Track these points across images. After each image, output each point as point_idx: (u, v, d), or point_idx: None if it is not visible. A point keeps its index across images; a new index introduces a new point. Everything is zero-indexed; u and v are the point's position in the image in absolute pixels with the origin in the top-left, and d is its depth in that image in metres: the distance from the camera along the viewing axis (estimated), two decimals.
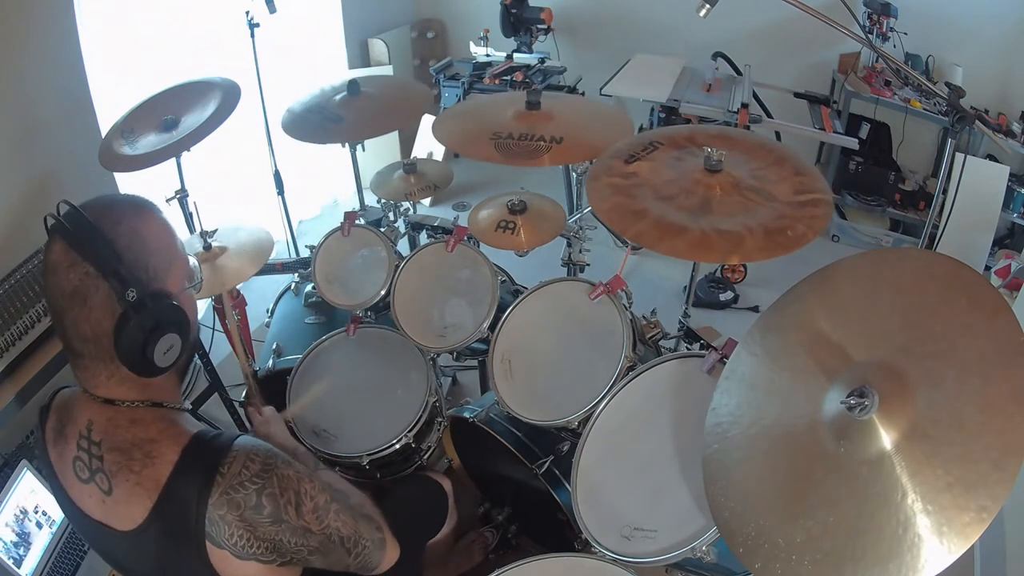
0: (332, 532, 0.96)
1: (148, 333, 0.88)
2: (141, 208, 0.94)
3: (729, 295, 2.97)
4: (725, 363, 1.16)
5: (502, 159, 1.55)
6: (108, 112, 2.17)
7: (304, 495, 0.92)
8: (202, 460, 0.88)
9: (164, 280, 0.92)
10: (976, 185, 2.78)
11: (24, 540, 1.57)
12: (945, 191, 1.80)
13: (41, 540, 1.62)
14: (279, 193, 2.86)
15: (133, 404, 0.92)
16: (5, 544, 1.52)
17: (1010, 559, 1.66)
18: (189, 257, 1.00)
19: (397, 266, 1.77)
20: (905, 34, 3.18)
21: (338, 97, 2.00)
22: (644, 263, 3.23)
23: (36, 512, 1.61)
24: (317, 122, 1.93)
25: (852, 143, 2.98)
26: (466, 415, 1.58)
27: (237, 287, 1.94)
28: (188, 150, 1.84)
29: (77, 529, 0.98)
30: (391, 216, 2.08)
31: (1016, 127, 3.07)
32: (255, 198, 3.09)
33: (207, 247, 1.68)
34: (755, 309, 2.93)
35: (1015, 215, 3.06)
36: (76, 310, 0.87)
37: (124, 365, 0.89)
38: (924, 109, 3.18)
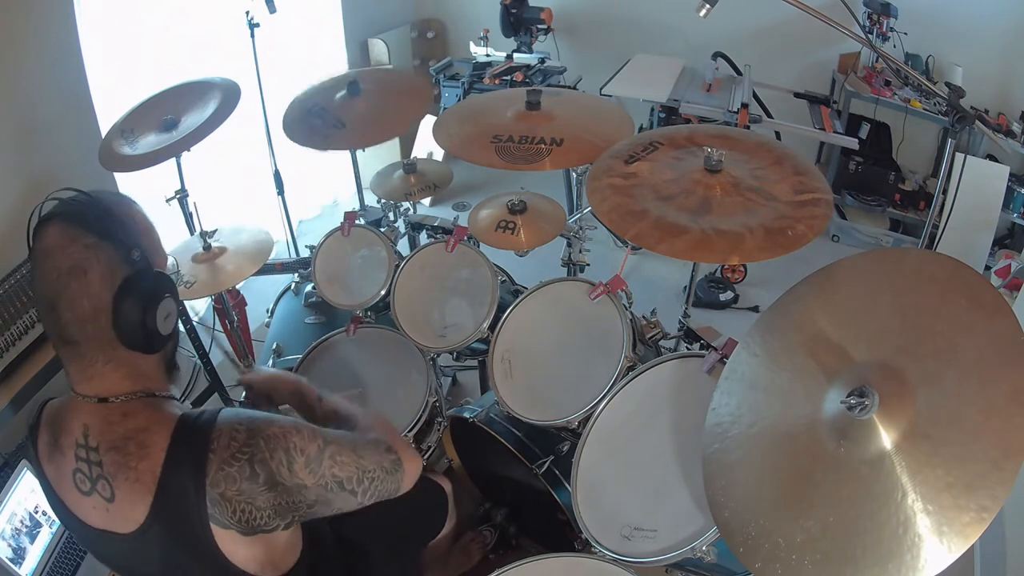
0: (328, 481, 0.93)
1: (148, 299, 0.89)
2: (126, 200, 0.99)
3: (729, 295, 2.97)
4: (725, 363, 1.16)
5: (503, 164, 1.54)
6: (108, 112, 2.17)
7: (294, 450, 0.90)
8: (191, 443, 0.88)
9: (153, 262, 0.94)
10: (976, 185, 2.78)
11: (24, 540, 1.57)
12: (945, 191, 1.80)
13: (41, 540, 1.61)
14: (279, 193, 2.86)
15: (125, 398, 0.92)
16: (5, 544, 1.52)
17: (1010, 559, 1.66)
18: (168, 255, 1.02)
19: (397, 266, 1.77)
20: (905, 34, 3.17)
21: (338, 96, 1.99)
22: (644, 263, 3.23)
23: (36, 512, 1.61)
24: (319, 127, 1.93)
25: (852, 143, 2.98)
26: (466, 415, 1.58)
27: (237, 287, 1.94)
28: (188, 150, 1.84)
29: (75, 536, 0.97)
30: (391, 216, 2.08)
31: (1016, 127, 3.06)
32: (255, 198, 3.09)
33: (207, 247, 1.68)
34: (755, 309, 2.93)
35: (1015, 215, 3.07)
36: (74, 285, 0.86)
37: (123, 341, 0.89)
38: (924, 109, 3.18)
